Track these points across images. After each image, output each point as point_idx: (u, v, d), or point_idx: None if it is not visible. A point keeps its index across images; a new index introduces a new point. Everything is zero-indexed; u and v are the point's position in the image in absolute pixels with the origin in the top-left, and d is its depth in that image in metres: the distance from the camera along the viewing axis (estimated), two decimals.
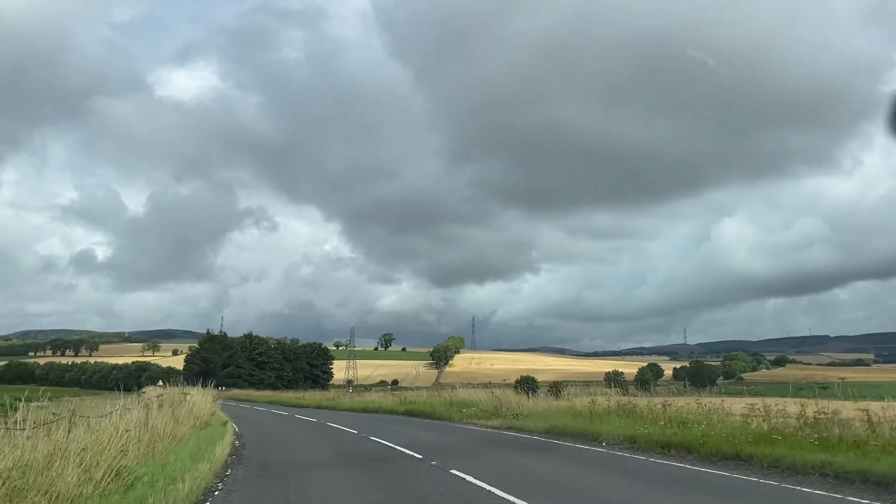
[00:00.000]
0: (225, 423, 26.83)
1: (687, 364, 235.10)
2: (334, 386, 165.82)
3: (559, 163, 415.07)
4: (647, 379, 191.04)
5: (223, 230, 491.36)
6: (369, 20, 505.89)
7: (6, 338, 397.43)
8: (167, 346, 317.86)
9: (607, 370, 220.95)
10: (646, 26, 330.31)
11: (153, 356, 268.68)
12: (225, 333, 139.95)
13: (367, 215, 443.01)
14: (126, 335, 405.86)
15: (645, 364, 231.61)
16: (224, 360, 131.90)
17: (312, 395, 70.53)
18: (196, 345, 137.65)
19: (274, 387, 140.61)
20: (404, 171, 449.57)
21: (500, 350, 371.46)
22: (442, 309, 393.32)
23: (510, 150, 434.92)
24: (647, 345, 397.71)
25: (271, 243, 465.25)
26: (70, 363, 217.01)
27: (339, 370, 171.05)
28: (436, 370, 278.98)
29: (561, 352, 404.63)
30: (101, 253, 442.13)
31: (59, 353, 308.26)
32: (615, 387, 27.77)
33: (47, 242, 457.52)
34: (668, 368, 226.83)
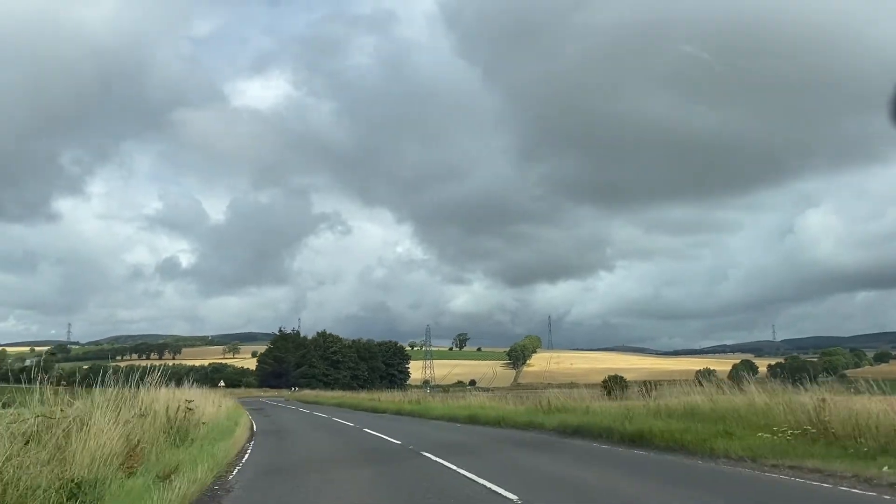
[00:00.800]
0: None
1: (781, 360, 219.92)
2: (411, 386, 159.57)
3: (634, 156, 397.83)
4: (743, 376, 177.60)
5: (299, 235, 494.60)
6: (436, 21, 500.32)
7: (98, 343, 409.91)
8: (247, 349, 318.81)
9: (696, 368, 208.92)
10: (723, 9, 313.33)
11: (233, 358, 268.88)
12: (298, 332, 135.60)
13: (438, 216, 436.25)
14: (209, 339, 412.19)
15: (737, 361, 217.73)
16: (297, 360, 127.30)
17: (390, 397, 57.24)
18: (270, 345, 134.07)
19: (348, 387, 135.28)
20: (475, 170, 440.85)
21: (577, 349, 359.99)
22: (515, 309, 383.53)
23: (582, 145, 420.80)
24: (728, 342, 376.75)
25: (345, 247, 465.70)
26: (148, 365, 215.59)
27: (415, 370, 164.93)
28: (513, 370, 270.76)
29: (639, 351, 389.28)
30: (185, 260, 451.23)
31: (143, 357, 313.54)
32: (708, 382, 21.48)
33: (135, 251, 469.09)
34: (761, 365, 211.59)
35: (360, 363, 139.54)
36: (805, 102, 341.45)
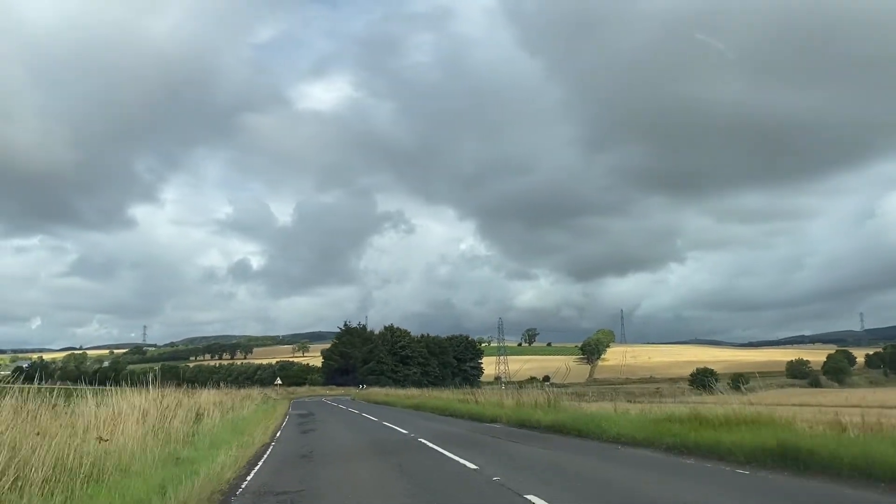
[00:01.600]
0: None
1: (874, 350, 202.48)
2: (484, 383, 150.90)
3: (704, 143, 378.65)
4: (842, 367, 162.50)
5: (364, 235, 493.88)
6: (495, 14, 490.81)
7: (173, 344, 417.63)
8: (316, 347, 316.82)
9: (778, 359, 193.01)
10: None
11: (303, 356, 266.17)
12: (364, 326, 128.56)
13: (501, 212, 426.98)
14: (279, 338, 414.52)
15: (819, 351, 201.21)
16: (364, 356, 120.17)
17: (492, 397, 36.68)
18: (335, 340, 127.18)
19: (418, 384, 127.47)
20: (538, 164, 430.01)
21: (649, 343, 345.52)
22: (583, 304, 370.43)
23: (650, 133, 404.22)
24: (807, 332, 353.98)
25: (409, 245, 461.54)
26: (217, 364, 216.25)
27: (486, 366, 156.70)
28: (587, 364, 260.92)
29: (715, 343, 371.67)
30: (255, 262, 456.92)
31: (215, 357, 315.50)
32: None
33: (207, 255, 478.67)
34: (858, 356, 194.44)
35: (430, 359, 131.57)
36: (886, 79, 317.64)
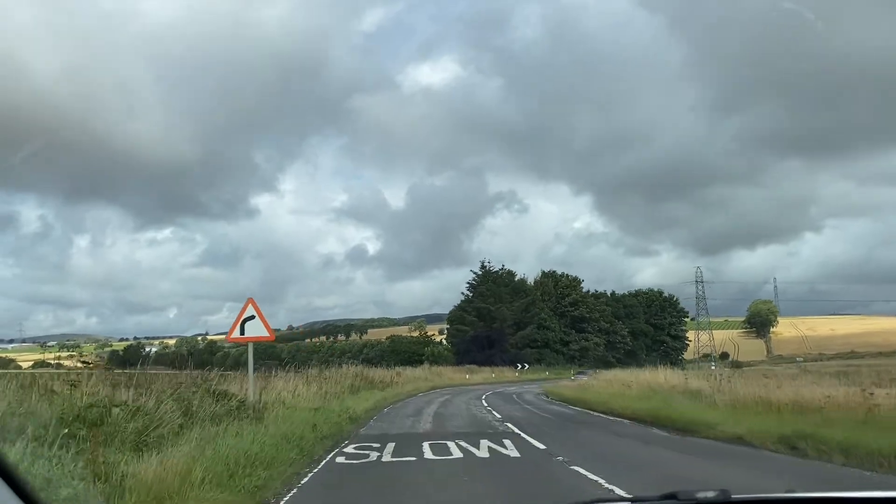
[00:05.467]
0: None
1: None
2: (687, 361, 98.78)
3: (847, 98, 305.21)
4: None
5: (477, 216, 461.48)
6: None
7: (292, 328, 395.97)
8: (433, 328, 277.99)
9: None
10: None
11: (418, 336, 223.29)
12: (510, 270, 75.81)
13: (619, 186, 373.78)
14: (396, 320, 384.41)
15: None
16: (516, 316, 69.76)
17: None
18: (467, 293, 75.21)
19: (604, 361, 76.09)
20: (658, 132, 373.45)
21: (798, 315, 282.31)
22: (708, 278, 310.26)
23: (785, 89, 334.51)
24: None
25: (523, 225, 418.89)
26: (318, 342, 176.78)
27: None
28: (757, 339, 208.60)
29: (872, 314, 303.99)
30: (371, 247, 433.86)
31: (330, 339, 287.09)
32: None
33: (325, 242, 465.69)
34: None
35: (615, 323, 79.93)
36: None
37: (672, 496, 1.89)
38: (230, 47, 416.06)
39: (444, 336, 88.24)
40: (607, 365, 78.35)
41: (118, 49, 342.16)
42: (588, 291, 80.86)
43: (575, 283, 79.68)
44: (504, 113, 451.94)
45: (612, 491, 8.31)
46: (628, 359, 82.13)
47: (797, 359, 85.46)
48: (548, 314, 73.81)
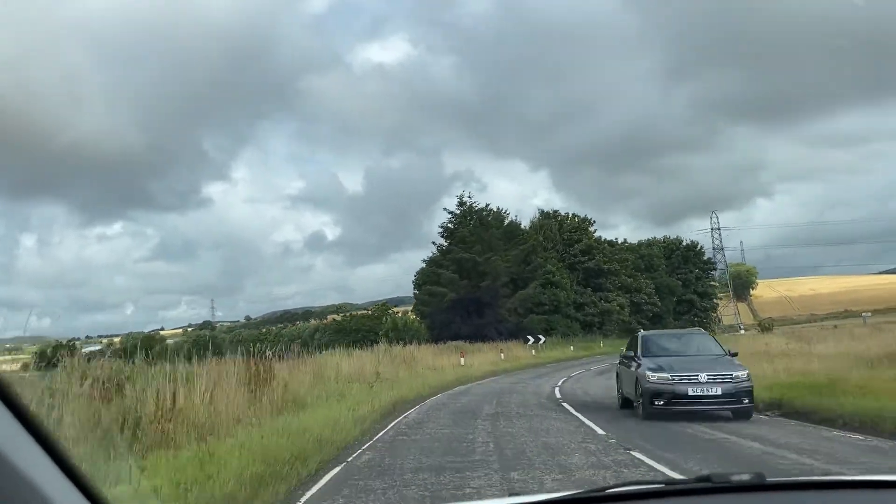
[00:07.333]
0: None
1: None
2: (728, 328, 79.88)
3: (798, 61, 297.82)
4: None
5: (435, 196, 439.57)
6: None
7: (249, 318, 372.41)
8: (398, 311, 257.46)
9: None
10: None
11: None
12: (499, 209, 52.27)
13: (575, 159, 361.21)
14: (358, 305, 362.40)
15: None
16: (513, 270, 47.65)
17: None
18: (440, 246, 51.66)
19: (626, 327, 55.31)
20: (613, 102, 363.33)
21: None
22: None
23: (739, 54, 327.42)
24: None
25: (483, 202, 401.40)
26: (265, 331, 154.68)
27: None
28: (739, 303, 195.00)
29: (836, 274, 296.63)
30: (330, 232, 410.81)
31: (278, 326, 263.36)
32: None
33: (283, 230, 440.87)
34: None
35: (636, 276, 58.82)
36: None
37: (706, 479, 1.77)
38: (174, 30, 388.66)
39: (411, 309, 65.90)
40: (630, 333, 57.53)
41: (55, 36, 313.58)
42: (601, 238, 59.25)
43: (584, 224, 57.87)
44: (457, 91, 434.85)
45: None
46: (654, 325, 61.65)
47: (863, 314, 66.32)
48: (555, 265, 51.94)
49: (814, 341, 27.11)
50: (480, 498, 6.51)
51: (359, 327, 56.83)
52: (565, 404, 15.59)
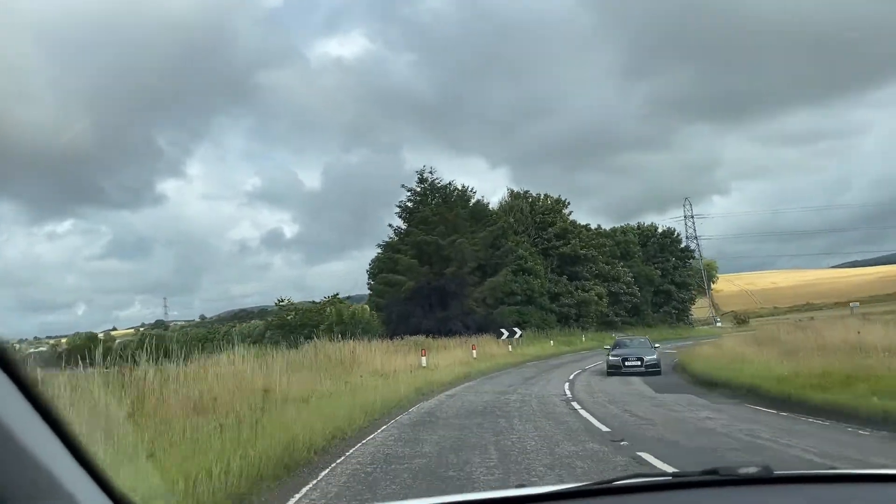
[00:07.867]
0: None
1: None
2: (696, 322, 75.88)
3: (751, 61, 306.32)
4: None
5: (396, 194, 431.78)
6: None
7: (203, 317, 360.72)
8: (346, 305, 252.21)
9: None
10: None
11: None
12: (464, 187, 45.99)
13: (534, 157, 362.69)
14: (316, 303, 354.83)
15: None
16: (481, 254, 41.86)
17: None
18: (397, 228, 45.47)
19: (606, 320, 49.76)
20: (571, 100, 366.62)
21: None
22: None
23: (693, 54, 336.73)
24: (858, 258, 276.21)
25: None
26: (214, 329, 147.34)
27: None
28: (704, 298, 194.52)
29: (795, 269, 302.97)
30: (288, 230, 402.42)
31: (228, 324, 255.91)
32: None
33: (239, 227, 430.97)
34: None
35: (614, 263, 53.31)
36: None
37: (713, 472, 1.81)
38: (126, 22, 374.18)
39: (365, 302, 59.18)
40: (609, 327, 51.81)
41: (1, 27, 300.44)
42: (576, 222, 53.39)
43: (558, 206, 51.98)
44: (416, 87, 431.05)
45: None
46: (631, 317, 56.15)
47: (852, 305, 62.58)
48: (527, 250, 45.99)
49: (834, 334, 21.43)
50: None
51: (305, 322, 49.97)
52: (626, 443, 8.95)
